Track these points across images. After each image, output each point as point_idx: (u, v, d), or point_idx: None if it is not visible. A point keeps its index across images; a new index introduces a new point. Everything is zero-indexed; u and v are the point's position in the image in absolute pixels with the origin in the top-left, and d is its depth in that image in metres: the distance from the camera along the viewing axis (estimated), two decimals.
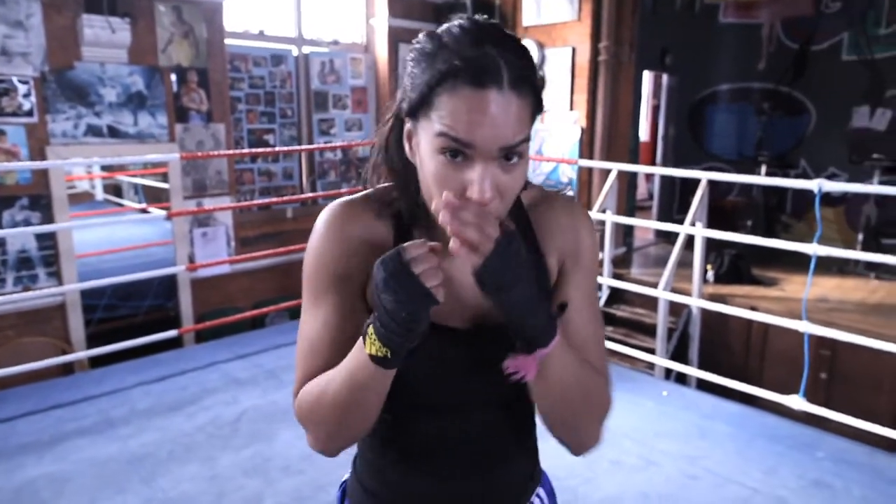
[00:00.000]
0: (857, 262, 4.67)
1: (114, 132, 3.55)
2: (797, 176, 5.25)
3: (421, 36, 0.68)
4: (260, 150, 4.30)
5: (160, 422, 2.56)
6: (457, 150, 0.63)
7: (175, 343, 3.50)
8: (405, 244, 0.62)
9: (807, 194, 5.18)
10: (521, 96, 0.63)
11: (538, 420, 0.79)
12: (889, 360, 3.47)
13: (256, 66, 4.31)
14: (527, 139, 0.65)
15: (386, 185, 0.78)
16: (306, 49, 4.56)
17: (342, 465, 2.26)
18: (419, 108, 0.66)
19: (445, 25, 0.67)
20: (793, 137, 5.50)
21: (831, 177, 5.26)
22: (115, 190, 6.34)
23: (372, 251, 0.71)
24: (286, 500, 2.06)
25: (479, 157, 0.63)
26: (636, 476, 2.21)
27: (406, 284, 0.61)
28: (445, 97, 0.63)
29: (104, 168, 5.77)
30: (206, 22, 3.81)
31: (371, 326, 0.64)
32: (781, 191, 5.48)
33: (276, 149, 4.40)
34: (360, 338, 0.66)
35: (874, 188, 3.46)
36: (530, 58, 0.66)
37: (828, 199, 5.34)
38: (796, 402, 2.54)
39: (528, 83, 0.64)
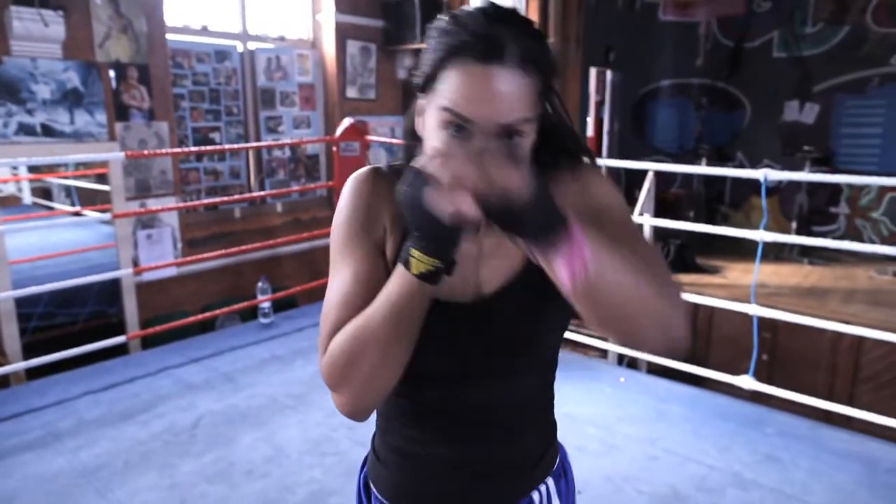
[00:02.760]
0: (791, 248, 4.92)
1: (48, 131, 3.37)
2: (734, 168, 5.48)
3: (441, 15, 0.71)
4: (206, 148, 4.17)
5: (112, 431, 2.45)
6: (459, 126, 0.65)
7: (121, 350, 3.36)
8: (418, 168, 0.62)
9: (744, 185, 5.48)
10: (527, 75, 0.64)
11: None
12: (824, 340, 3.69)
13: (200, 63, 4.18)
14: (529, 120, 0.66)
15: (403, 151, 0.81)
16: (252, 45, 4.45)
17: (309, 467, 2.24)
18: (428, 82, 0.68)
19: (465, 7, 0.70)
20: (729, 131, 5.74)
21: (766, 168, 5.51)
22: (45, 193, 6.01)
23: (392, 215, 0.75)
24: (253, 503, 2.01)
25: (480, 133, 0.64)
26: (600, 461, 2.26)
27: (432, 190, 0.59)
28: (452, 71, 0.65)
29: (31, 169, 5.47)
30: (145, 16, 3.66)
31: (413, 249, 0.65)
32: (721, 182, 5.72)
33: (223, 147, 4.28)
34: (399, 267, 0.67)
35: (815, 176, 3.66)
36: (543, 41, 0.68)
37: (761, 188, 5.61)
38: (746, 381, 2.66)
39: (536, 63, 0.65)
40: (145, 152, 3.62)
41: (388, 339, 0.69)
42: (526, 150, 0.68)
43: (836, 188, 5.20)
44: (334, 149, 4.01)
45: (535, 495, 0.85)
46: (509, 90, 0.63)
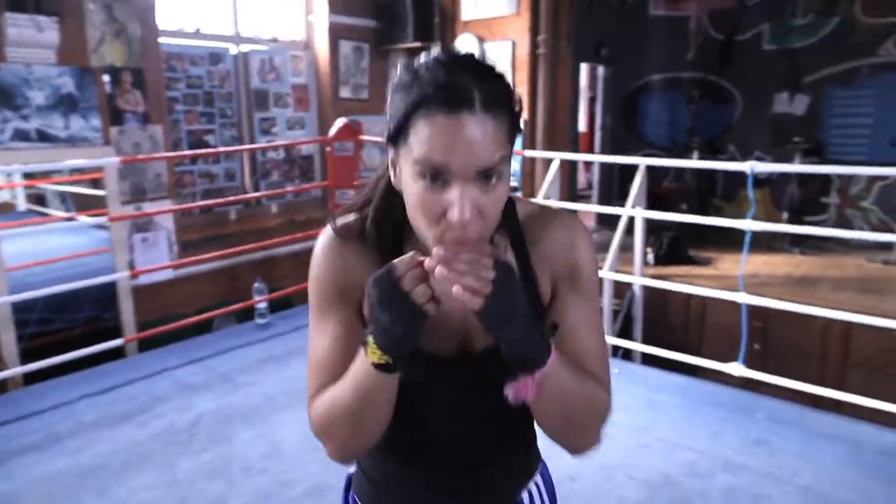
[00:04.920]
0: (783, 238, 4.96)
1: (44, 136, 3.40)
2: (726, 160, 5.52)
3: (400, 68, 0.72)
4: (201, 151, 4.20)
5: (110, 433, 2.48)
6: (435, 175, 0.66)
7: (118, 354, 3.39)
8: (395, 261, 0.66)
9: (736, 178, 5.52)
10: (495, 117, 0.66)
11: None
12: (815, 327, 3.73)
13: (193, 66, 4.21)
14: (504, 158, 0.68)
15: (378, 204, 0.81)
16: (245, 47, 4.48)
17: (307, 463, 2.27)
18: (398, 136, 0.69)
19: (423, 59, 0.70)
20: (721, 124, 5.78)
21: (757, 160, 5.55)
22: (39, 199, 6.03)
23: (366, 270, 0.75)
24: (251, 499, 2.04)
25: (457, 180, 0.65)
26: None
27: (398, 301, 0.65)
28: (420, 124, 0.66)
29: (26, 175, 5.48)
30: (138, 20, 3.69)
31: (370, 336, 0.68)
32: (712, 175, 5.76)
33: (218, 149, 4.31)
34: (361, 347, 0.70)
35: (801, 167, 3.70)
36: (504, 82, 0.69)
37: (755, 180, 5.64)
38: (736, 369, 2.70)
39: (502, 105, 0.67)
40: (140, 157, 3.64)
41: (357, 414, 0.73)
42: (504, 193, 0.70)
43: (826, 178, 5.24)
44: (328, 149, 4.04)
45: (525, 495, 0.90)
46: (481, 135, 0.65)
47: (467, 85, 0.65)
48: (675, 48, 5.92)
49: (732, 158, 5.64)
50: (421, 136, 0.66)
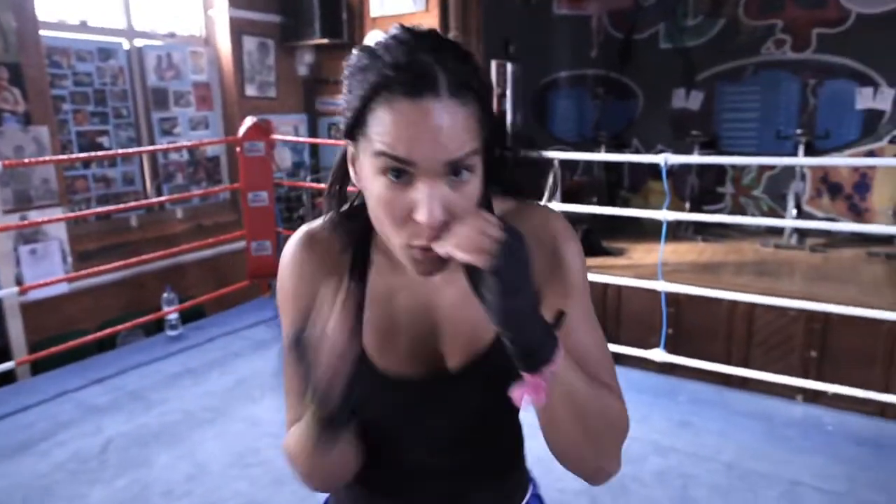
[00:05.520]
0: (686, 227, 5.25)
1: None
2: (631, 153, 5.77)
3: (354, 50, 0.63)
4: (94, 154, 3.86)
5: (5, 467, 2.23)
6: (399, 170, 0.58)
7: (8, 378, 3.06)
8: (306, 329, 0.60)
9: (642, 170, 5.78)
10: (464, 103, 0.58)
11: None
12: (721, 310, 3.96)
13: (81, 62, 3.87)
14: (476, 151, 0.60)
15: (349, 208, 0.73)
16: (139, 42, 4.17)
17: (234, 480, 2.14)
18: (355, 127, 0.61)
19: (378, 36, 0.62)
20: (625, 118, 6.04)
21: (659, 153, 5.83)
22: None
23: (336, 278, 0.68)
24: None
25: (424, 176, 0.57)
26: (527, 443, 2.30)
27: (310, 369, 0.60)
28: (380, 112, 0.58)
29: None
30: (13, 11, 3.34)
31: (308, 392, 0.62)
32: (619, 168, 6.00)
33: (113, 152, 3.98)
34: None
35: (707, 159, 3.92)
36: (473, 63, 0.61)
37: (658, 172, 5.93)
38: (658, 354, 2.81)
39: (471, 90, 0.59)
40: (24, 160, 3.30)
41: (318, 459, 0.69)
42: (477, 189, 0.61)
43: (721, 169, 5.60)
44: (238, 149, 3.84)
45: None
46: (449, 124, 0.57)
47: (431, 65, 0.57)
48: (579, 46, 6.12)
49: (637, 151, 5.91)
50: (381, 127, 0.58)
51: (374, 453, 0.75)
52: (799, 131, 4.99)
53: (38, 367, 3.30)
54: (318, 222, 0.75)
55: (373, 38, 0.62)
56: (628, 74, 5.98)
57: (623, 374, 2.61)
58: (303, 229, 0.75)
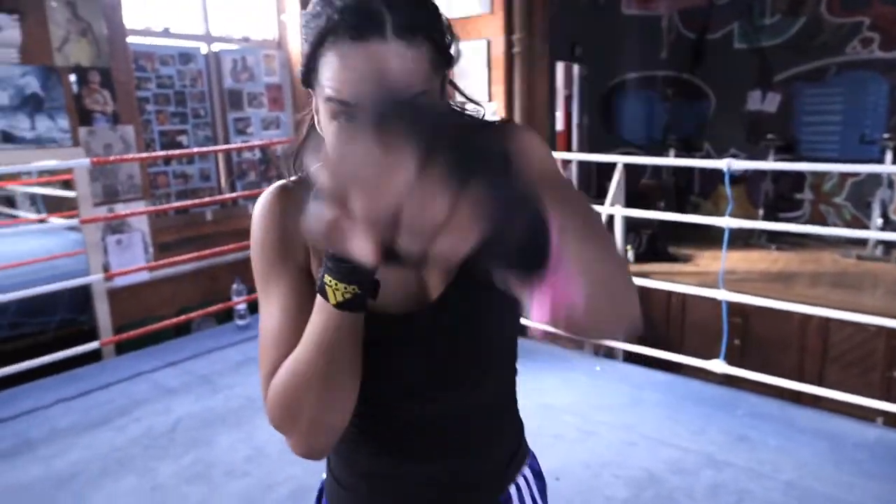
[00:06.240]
0: (759, 235, 5.04)
1: (8, 138, 3.30)
2: (702, 157, 5.59)
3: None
4: (174, 152, 4.11)
5: (87, 438, 2.42)
6: (349, 115, 0.58)
7: (94, 357, 3.31)
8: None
9: (713, 175, 5.59)
10: (413, 46, 0.57)
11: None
12: (793, 323, 3.79)
13: (164, 65, 4.12)
14: (425, 93, 0.59)
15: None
16: (216, 46, 4.40)
17: (291, 463, 2.24)
18: (309, 74, 0.61)
19: None
20: (696, 121, 5.85)
21: (732, 157, 5.63)
22: (8, 201, 5.87)
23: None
24: (233, 503, 2.00)
25: None
26: (578, 447, 2.30)
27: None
28: (329, 56, 0.58)
29: None
30: (105, 19, 3.60)
31: (326, 276, 0.58)
32: (689, 172, 5.82)
33: (192, 150, 4.22)
34: (318, 299, 0.60)
35: (776, 165, 3.76)
36: (427, 3, 0.60)
37: (731, 177, 5.72)
38: (718, 365, 2.72)
39: (422, 30, 0.58)
40: (112, 158, 3.55)
41: (323, 378, 0.63)
42: None
43: (800, 175, 5.33)
44: None
45: (513, 489, 0.83)
46: (395, 66, 0.56)
47: (377, 6, 0.56)
48: (649, 47, 5.98)
49: (708, 156, 5.71)
50: (329, 72, 0.58)
51: (368, 411, 0.73)
52: (886, 135, 4.69)
53: (121, 348, 3.55)
54: (283, 182, 0.74)
55: None
56: (700, 76, 5.79)
57: (682, 385, 2.55)
58: (275, 184, 0.75)
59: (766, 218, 5.02)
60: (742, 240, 4.99)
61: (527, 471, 0.86)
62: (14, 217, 5.54)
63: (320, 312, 0.61)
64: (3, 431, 2.48)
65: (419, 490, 0.78)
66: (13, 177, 5.04)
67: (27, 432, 2.47)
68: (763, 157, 5.08)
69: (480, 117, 0.73)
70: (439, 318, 0.69)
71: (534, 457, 0.90)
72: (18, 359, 2.85)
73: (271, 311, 0.70)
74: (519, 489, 0.84)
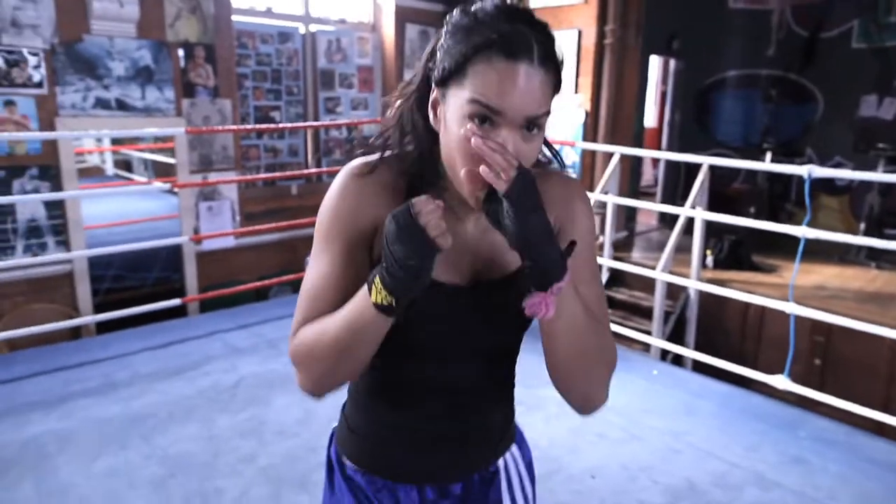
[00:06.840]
0: (858, 250, 4.68)
1: (122, 105, 3.61)
2: (803, 164, 5.23)
3: (455, 11, 0.74)
4: (266, 126, 4.35)
5: (162, 385, 2.65)
6: (485, 117, 0.69)
7: (180, 313, 3.60)
8: (413, 199, 0.67)
9: (814, 183, 5.21)
10: (547, 72, 0.70)
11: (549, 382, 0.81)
12: (883, 348, 3.51)
13: (263, 44, 4.35)
14: (548, 113, 0.72)
15: (401, 150, 0.81)
16: (313, 27, 4.59)
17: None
18: (452, 76, 0.71)
19: (478, 4, 0.73)
20: (800, 125, 5.48)
21: (837, 165, 5.25)
22: (126, 165, 6.43)
23: (383, 208, 0.75)
24: (278, 460, 2.14)
25: (506, 125, 0.69)
26: (619, 448, 2.26)
27: (414, 235, 0.66)
28: (480, 67, 0.69)
29: (114, 142, 5.85)
30: None
31: (377, 276, 0.69)
32: (787, 179, 5.47)
33: (282, 125, 4.45)
34: (365, 286, 0.71)
35: (866, 175, 3.47)
36: (556, 41, 0.73)
37: (833, 187, 5.33)
38: (781, 381, 2.59)
39: (553, 62, 0.71)
40: (204, 128, 3.81)
41: (344, 350, 0.74)
42: (540, 145, 0.74)
43: None
44: None
45: (501, 462, 0.92)
46: (535, 86, 0.69)
47: (528, 36, 0.69)
48: (755, 43, 5.64)
49: (810, 162, 5.33)
50: (479, 79, 0.69)
51: (398, 363, 0.83)
52: None
53: (205, 307, 3.83)
54: (368, 158, 0.82)
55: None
56: (809, 76, 5.40)
57: (741, 398, 2.45)
58: (355, 161, 0.82)
59: (869, 233, 4.65)
60: (838, 255, 4.66)
61: (514, 449, 0.94)
62: (129, 180, 6.07)
63: (360, 300, 0.72)
64: (93, 372, 2.76)
65: (428, 443, 0.87)
66: (132, 142, 5.53)
67: (114, 374, 2.73)
68: (872, 168, 4.70)
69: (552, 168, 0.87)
70: (476, 296, 0.80)
71: (526, 445, 0.98)
72: (119, 308, 3.16)
73: (319, 267, 0.80)
74: (506, 464, 0.93)
